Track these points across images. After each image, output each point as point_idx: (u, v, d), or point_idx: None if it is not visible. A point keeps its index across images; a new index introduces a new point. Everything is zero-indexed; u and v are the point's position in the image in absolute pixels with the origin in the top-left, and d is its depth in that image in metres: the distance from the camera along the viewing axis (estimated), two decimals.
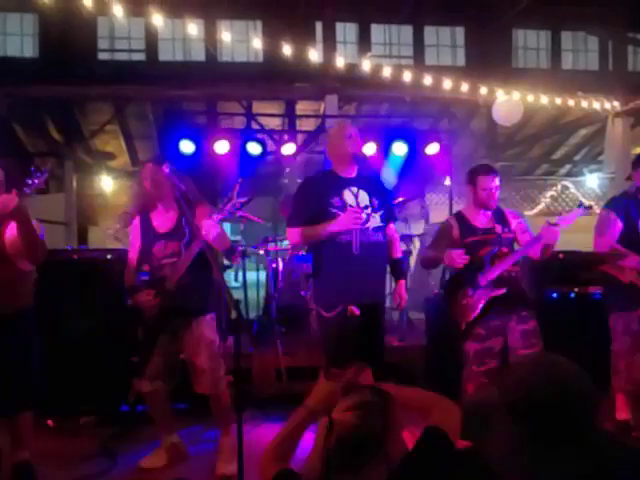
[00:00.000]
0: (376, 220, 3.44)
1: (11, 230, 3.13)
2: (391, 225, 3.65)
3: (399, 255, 3.72)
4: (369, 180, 3.58)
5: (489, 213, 3.67)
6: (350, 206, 3.35)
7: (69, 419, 4.16)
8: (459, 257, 3.44)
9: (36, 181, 3.02)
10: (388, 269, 3.73)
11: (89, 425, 4.17)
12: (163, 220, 3.51)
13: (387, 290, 4.05)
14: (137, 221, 3.59)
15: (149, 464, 3.48)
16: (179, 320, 3.39)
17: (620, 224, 3.65)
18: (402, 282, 3.64)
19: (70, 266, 4.59)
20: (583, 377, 1.17)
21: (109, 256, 4.69)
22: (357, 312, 3.29)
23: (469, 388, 3.55)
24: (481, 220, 3.67)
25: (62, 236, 9.79)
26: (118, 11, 5.78)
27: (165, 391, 3.47)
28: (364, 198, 3.43)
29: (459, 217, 3.73)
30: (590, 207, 3.56)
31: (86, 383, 4.26)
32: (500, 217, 3.69)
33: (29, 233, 3.07)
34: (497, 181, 3.60)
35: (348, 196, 3.40)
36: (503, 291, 3.48)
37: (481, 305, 3.51)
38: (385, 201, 3.56)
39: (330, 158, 3.59)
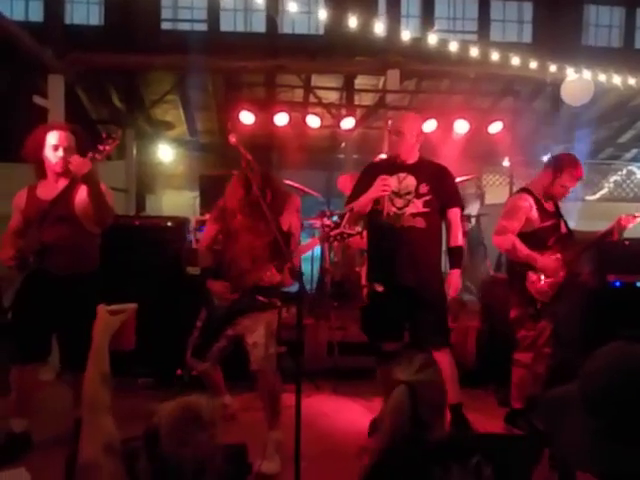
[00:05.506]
0: (417, 206, 3.45)
1: (81, 194, 3.22)
2: (452, 211, 3.58)
3: (456, 243, 3.59)
4: (426, 167, 3.57)
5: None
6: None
7: (126, 380, 4.28)
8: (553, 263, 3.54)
9: (107, 147, 3.09)
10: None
11: (146, 386, 4.30)
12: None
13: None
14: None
15: None
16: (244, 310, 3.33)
17: None
18: (456, 272, 3.56)
19: (132, 232, 4.69)
20: None
21: (169, 223, 4.78)
22: (379, 289, 3.41)
23: (539, 369, 3.64)
24: (549, 204, 3.71)
25: (122, 203, 10.03)
26: None
27: (219, 368, 3.56)
28: (409, 184, 3.48)
29: (534, 197, 3.67)
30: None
31: (143, 346, 4.35)
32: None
33: (99, 197, 3.15)
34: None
35: (392, 181, 3.45)
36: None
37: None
38: (440, 189, 3.51)
39: None
